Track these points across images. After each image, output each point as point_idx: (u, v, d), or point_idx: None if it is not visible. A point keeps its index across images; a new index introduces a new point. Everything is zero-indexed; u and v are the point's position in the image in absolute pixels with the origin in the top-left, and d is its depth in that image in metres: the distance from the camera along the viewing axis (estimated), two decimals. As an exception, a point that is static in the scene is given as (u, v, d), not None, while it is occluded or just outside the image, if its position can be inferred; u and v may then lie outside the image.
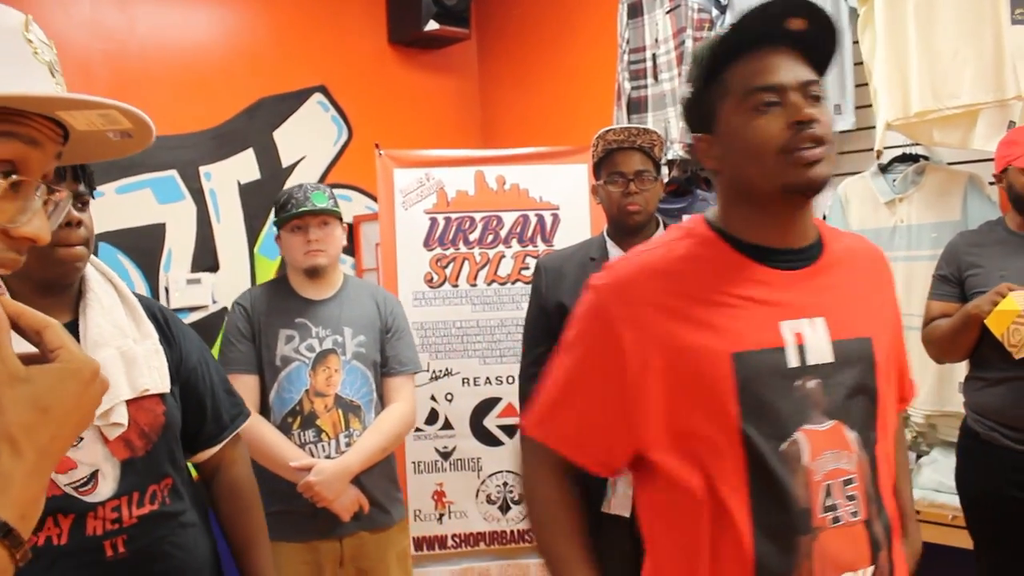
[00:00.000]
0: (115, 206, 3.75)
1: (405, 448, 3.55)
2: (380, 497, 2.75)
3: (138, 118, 0.90)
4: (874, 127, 3.14)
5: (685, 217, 3.53)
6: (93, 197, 1.72)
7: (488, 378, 3.68)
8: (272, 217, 4.16)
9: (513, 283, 3.70)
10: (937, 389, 3.04)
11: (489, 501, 3.69)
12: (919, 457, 3.15)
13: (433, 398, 3.65)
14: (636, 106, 3.85)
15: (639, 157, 2.59)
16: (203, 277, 4.01)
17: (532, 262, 3.52)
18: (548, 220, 3.74)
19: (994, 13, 2.81)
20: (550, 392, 1.47)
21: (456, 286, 3.71)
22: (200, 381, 1.87)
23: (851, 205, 3.28)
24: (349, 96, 4.57)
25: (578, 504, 1.48)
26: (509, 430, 3.58)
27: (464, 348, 3.67)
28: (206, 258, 4.05)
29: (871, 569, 1.32)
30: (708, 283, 1.37)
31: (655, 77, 3.79)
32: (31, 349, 0.82)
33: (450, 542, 3.65)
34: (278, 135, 4.31)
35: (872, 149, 3.15)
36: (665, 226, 2.70)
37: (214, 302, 4.04)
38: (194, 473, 1.95)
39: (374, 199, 4.22)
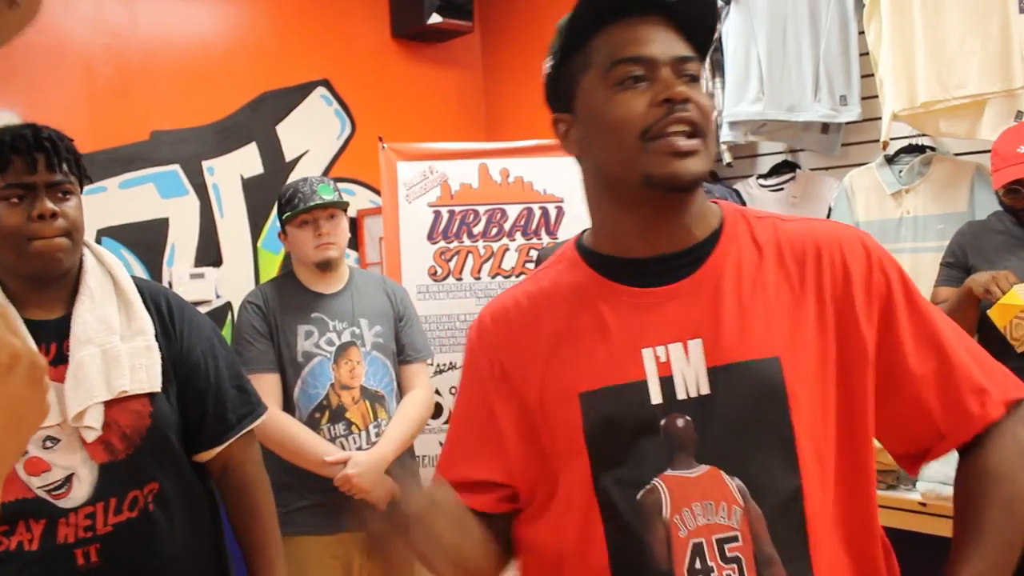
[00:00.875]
0: (118, 201, 3.74)
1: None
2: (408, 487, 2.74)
3: None
4: (880, 118, 3.12)
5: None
6: (80, 186, 1.66)
7: (492, 372, 3.65)
8: (274, 211, 4.19)
9: (517, 276, 3.68)
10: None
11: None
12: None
13: (438, 392, 3.62)
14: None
15: None
16: (206, 272, 4.00)
17: (536, 253, 3.50)
18: (552, 213, 3.72)
19: (1001, 2, 2.79)
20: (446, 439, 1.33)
21: (460, 279, 3.69)
22: (202, 378, 1.78)
23: (857, 196, 3.26)
24: (352, 90, 4.55)
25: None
26: (514, 424, 3.56)
27: (468, 342, 3.64)
28: (209, 253, 4.04)
29: None
30: (562, 314, 1.20)
31: (659, 69, 3.77)
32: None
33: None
34: (281, 129, 4.30)
35: (878, 140, 3.13)
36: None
37: (217, 296, 4.03)
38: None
39: (378, 193, 4.21)
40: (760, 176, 3.60)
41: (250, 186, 4.17)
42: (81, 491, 1.58)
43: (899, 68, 3.02)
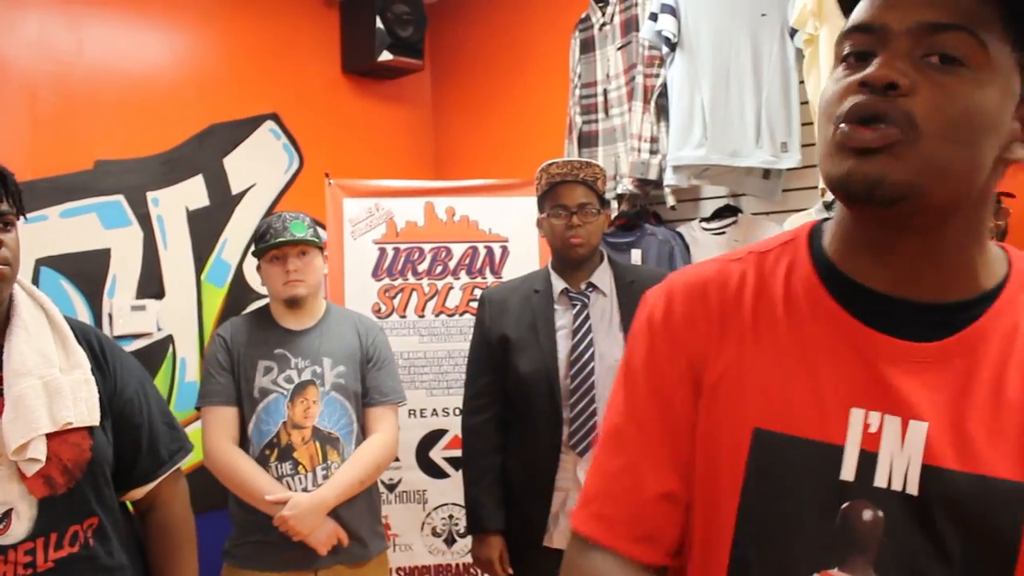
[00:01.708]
0: (59, 230, 3.69)
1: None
2: (360, 530, 2.73)
3: None
4: (817, 165, 3.18)
5: (633, 251, 3.56)
6: (21, 218, 1.64)
7: (435, 410, 3.66)
8: (219, 244, 4.17)
9: (461, 315, 3.69)
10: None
11: (434, 534, 3.65)
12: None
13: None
14: (587, 140, 3.88)
15: (582, 190, 2.60)
16: (148, 304, 3.95)
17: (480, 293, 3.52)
18: (497, 252, 3.74)
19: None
20: None
21: (404, 317, 3.69)
22: (136, 414, 1.78)
23: (796, 242, 3.31)
24: (301, 124, 4.54)
25: None
26: (455, 462, 3.55)
27: (411, 379, 3.64)
28: (151, 285, 3.98)
29: None
30: (773, 318, 0.96)
31: (606, 112, 3.82)
32: None
33: (394, 575, 3.61)
34: (228, 162, 4.27)
35: (816, 187, 3.20)
36: (610, 260, 2.71)
37: (159, 329, 3.97)
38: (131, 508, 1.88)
39: (324, 228, 4.20)
40: (703, 219, 3.66)
41: (195, 218, 4.13)
42: (20, 527, 1.55)
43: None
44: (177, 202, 4.09)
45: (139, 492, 1.82)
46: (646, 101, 3.57)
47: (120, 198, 3.90)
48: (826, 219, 1.02)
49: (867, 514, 0.85)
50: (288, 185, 4.49)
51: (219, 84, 4.25)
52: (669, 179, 3.51)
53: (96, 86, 3.84)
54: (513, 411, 2.68)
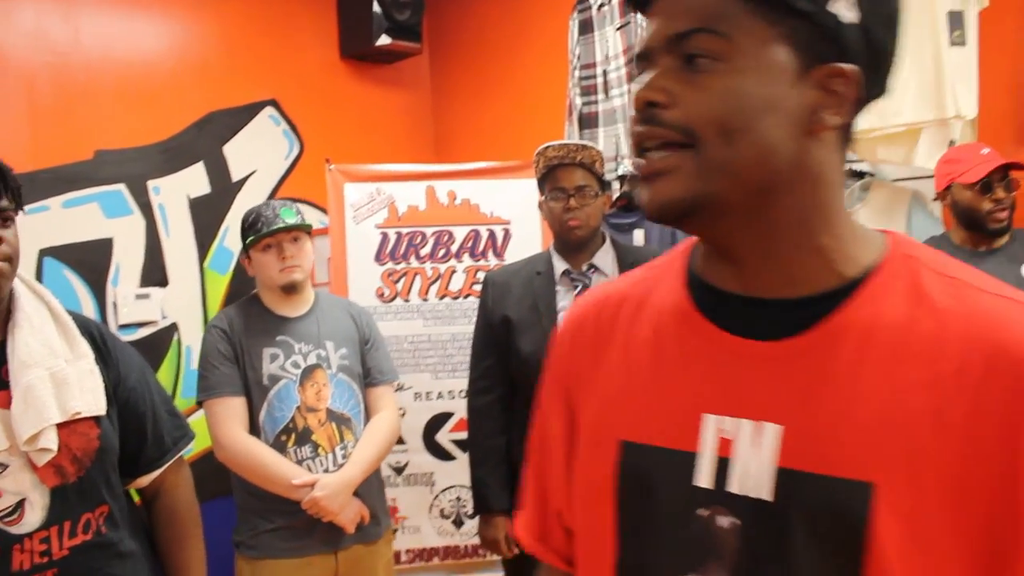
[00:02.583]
0: (61, 221, 3.69)
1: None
2: (375, 508, 2.76)
3: None
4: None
5: (636, 232, 3.56)
6: (19, 212, 1.65)
7: (440, 392, 3.67)
8: (221, 231, 4.17)
9: (464, 298, 3.70)
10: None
11: (442, 516, 3.67)
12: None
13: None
14: (587, 121, 3.88)
15: (580, 173, 2.59)
16: (152, 292, 3.96)
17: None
18: (499, 235, 3.74)
19: (934, 36, 2.88)
20: None
21: (408, 301, 3.70)
22: (140, 402, 1.80)
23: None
24: (300, 110, 4.54)
25: None
26: (462, 444, 3.56)
27: (416, 363, 3.65)
28: (155, 273, 4.00)
29: None
30: (640, 332, 0.98)
31: (606, 93, 3.82)
32: None
33: (403, 557, 3.63)
34: (228, 149, 4.28)
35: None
36: (613, 241, 2.71)
37: (163, 317, 3.99)
38: (136, 497, 1.89)
39: (325, 213, 4.20)
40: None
41: (196, 206, 4.14)
42: (34, 516, 1.57)
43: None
44: (178, 190, 4.09)
45: (145, 480, 1.84)
46: (646, 81, 3.55)
47: (121, 187, 3.91)
48: None
49: (722, 521, 0.84)
50: (289, 171, 4.50)
51: (217, 71, 4.25)
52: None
53: (94, 76, 3.84)
54: (516, 392, 2.70)
